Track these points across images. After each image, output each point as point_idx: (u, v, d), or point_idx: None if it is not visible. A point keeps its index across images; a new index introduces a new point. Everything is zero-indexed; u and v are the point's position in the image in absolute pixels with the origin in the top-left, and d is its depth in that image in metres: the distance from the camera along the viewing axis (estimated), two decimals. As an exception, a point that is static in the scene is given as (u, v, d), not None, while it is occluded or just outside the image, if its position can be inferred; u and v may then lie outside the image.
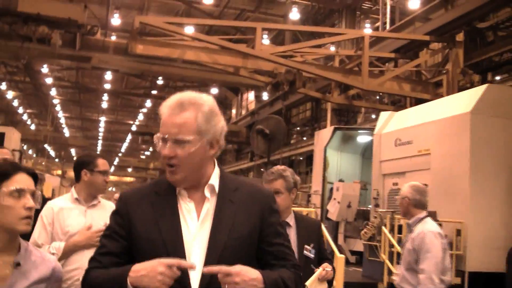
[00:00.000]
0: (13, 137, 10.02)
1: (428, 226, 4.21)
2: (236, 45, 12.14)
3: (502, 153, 7.93)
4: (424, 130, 8.84)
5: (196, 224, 2.03)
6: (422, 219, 4.28)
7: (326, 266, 3.37)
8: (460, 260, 7.79)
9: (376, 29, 18.34)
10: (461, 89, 12.46)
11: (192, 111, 2.02)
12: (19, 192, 2.06)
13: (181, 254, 1.95)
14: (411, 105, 12.83)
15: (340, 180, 11.72)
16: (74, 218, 3.66)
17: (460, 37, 12.91)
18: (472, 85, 12.42)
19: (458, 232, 7.75)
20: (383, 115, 10.38)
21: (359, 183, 11.14)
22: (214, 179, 2.11)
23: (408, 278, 4.22)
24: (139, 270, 1.87)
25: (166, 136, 2.01)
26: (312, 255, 3.45)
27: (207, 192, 2.07)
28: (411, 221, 4.32)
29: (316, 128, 20.60)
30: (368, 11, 19.73)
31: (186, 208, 2.07)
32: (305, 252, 3.42)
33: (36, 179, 2.19)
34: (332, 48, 16.12)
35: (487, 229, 7.74)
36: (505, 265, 7.61)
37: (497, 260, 7.70)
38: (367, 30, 19.20)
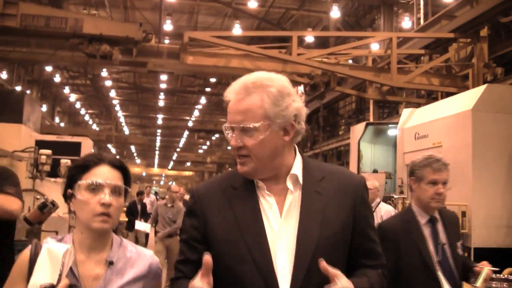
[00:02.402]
0: (87, 145, 12.15)
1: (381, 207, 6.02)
2: (276, 52, 13.84)
3: (502, 144, 9.28)
4: (436, 125, 10.28)
5: (278, 220, 1.88)
6: (379, 202, 6.08)
7: (486, 264, 3.16)
8: (466, 238, 9.25)
9: (413, 22, 19.58)
10: (486, 81, 13.74)
11: (257, 94, 1.88)
12: (96, 186, 1.99)
13: (266, 255, 1.83)
14: (442, 98, 14.16)
15: (374, 171, 13.23)
16: None
17: (484, 32, 14.12)
18: (496, 77, 13.72)
19: (463, 214, 9.21)
20: (405, 111, 11.83)
21: (384, 173, 12.66)
22: (297, 168, 1.95)
23: None
24: None
25: (232, 124, 1.90)
26: (461, 253, 3.28)
27: (289, 184, 1.93)
28: (373, 204, 6.14)
29: (361, 120, 22.05)
30: (406, 5, 20.90)
31: (266, 202, 1.92)
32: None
33: (125, 172, 2.11)
34: (376, 45, 17.48)
35: (488, 210, 9.15)
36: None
37: (498, 237, 9.15)
38: (406, 23, 20.51)
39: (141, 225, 11.21)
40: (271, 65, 14.25)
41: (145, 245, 12.37)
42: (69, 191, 2.04)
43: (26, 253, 1.98)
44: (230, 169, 32.66)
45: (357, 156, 13.32)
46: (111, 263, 2.00)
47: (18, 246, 5.03)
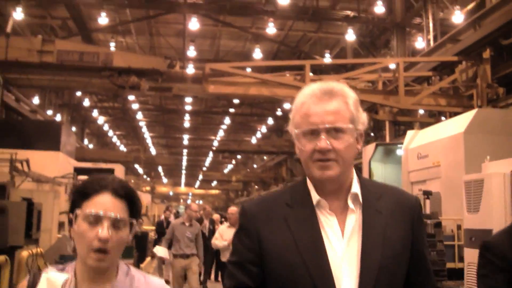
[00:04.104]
0: (120, 170, 13.64)
1: None
2: (290, 80, 15.17)
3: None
4: (435, 146, 11.46)
5: (341, 242, 1.82)
6: None
7: None
8: (461, 249, 10.34)
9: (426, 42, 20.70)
10: (490, 101, 14.83)
11: (341, 99, 1.86)
12: (95, 218, 1.83)
13: (329, 279, 1.76)
14: (450, 117, 15.26)
15: (385, 188, 14.40)
16: None
17: (486, 54, 15.19)
18: (498, 97, 14.79)
19: (459, 227, 10.32)
20: (409, 133, 13.03)
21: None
22: (356, 186, 1.91)
23: None
24: None
25: (319, 126, 1.81)
26: None
27: (350, 203, 1.87)
28: None
29: (379, 137, 23.21)
30: (419, 26, 22.00)
31: (326, 222, 1.85)
32: None
33: (132, 201, 1.93)
34: (393, 65, 18.55)
35: (481, 223, 10.29)
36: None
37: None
38: (420, 43, 21.64)
39: (161, 251, 10.67)
40: (286, 92, 15.53)
41: None
42: (70, 215, 1.89)
43: (23, 284, 1.90)
44: (256, 187, 33.65)
45: (368, 175, 14.49)
46: None
47: (67, 260, 6.34)
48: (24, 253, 7.22)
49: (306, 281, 1.75)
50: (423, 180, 11.98)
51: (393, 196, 1.94)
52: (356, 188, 1.88)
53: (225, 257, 10.18)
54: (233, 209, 10.61)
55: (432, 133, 12.09)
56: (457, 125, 10.96)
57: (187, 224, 10.19)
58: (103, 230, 1.80)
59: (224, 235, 10.25)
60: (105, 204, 1.84)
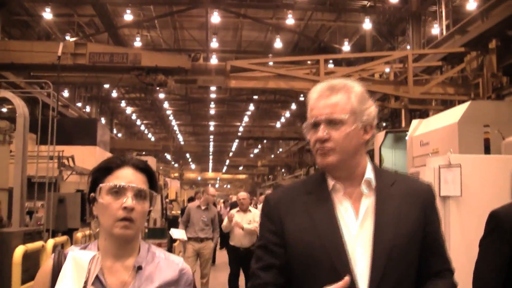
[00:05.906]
0: (152, 163, 15.32)
1: None
2: (305, 74, 16.69)
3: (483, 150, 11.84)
4: (435, 134, 12.86)
5: (355, 223, 1.99)
6: None
7: None
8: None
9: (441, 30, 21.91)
10: (494, 89, 16.09)
11: (344, 93, 2.03)
12: (119, 189, 1.96)
13: (343, 258, 1.92)
14: (459, 104, 16.53)
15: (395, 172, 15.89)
16: None
17: (492, 44, 16.39)
18: (502, 86, 16.05)
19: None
20: (414, 122, 14.46)
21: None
22: (369, 173, 2.07)
23: None
24: None
25: (318, 118, 2.01)
26: None
27: (364, 188, 2.04)
28: None
29: (396, 123, 24.60)
30: (434, 14, 23.19)
31: (341, 206, 2.02)
32: None
33: (151, 175, 2.08)
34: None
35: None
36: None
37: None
38: (436, 30, 22.84)
39: (177, 233, 10.56)
40: (303, 84, 17.01)
41: None
42: (92, 194, 2.03)
43: (49, 262, 1.98)
44: (283, 170, 35.43)
45: (379, 160, 15.94)
46: (139, 268, 1.99)
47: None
48: (79, 234, 9.03)
49: (324, 259, 1.93)
50: (425, 165, 13.41)
51: (406, 183, 2.11)
52: (369, 174, 2.06)
53: (232, 241, 10.05)
54: (243, 194, 10.35)
55: (433, 122, 13.50)
56: (453, 115, 12.36)
57: (203, 207, 10.25)
58: (128, 200, 1.94)
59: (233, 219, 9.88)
60: (127, 176, 1.99)
